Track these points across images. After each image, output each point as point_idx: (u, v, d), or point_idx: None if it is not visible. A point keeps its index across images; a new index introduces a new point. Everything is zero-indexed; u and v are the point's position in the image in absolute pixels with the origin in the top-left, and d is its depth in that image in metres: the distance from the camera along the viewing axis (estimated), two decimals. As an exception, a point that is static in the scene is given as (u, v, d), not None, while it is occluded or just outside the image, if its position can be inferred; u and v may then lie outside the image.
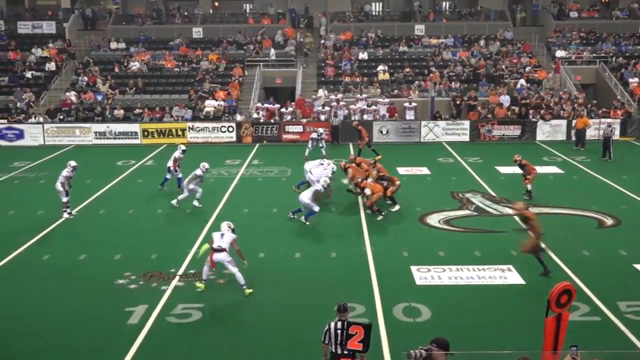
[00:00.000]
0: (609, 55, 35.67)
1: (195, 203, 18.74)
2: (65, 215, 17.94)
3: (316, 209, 17.06)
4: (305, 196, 17.14)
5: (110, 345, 10.73)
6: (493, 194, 20.09)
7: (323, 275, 13.83)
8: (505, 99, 31.36)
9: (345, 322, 8.31)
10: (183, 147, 21.11)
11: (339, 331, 8.27)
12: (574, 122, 28.77)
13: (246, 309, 12.16)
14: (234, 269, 12.63)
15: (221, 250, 12.56)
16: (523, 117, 30.23)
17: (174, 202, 18.94)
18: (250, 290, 12.73)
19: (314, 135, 25.93)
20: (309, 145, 25.53)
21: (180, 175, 20.46)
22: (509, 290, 12.81)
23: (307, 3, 41.51)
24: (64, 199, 17.95)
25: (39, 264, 14.65)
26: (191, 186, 18.56)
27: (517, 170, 23.15)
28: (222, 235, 12.73)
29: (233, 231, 12.96)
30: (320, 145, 25.41)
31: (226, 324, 11.49)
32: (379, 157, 22.00)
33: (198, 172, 18.56)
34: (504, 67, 34.57)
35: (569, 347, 7.17)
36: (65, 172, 18.05)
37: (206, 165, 18.87)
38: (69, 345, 10.78)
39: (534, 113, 30.19)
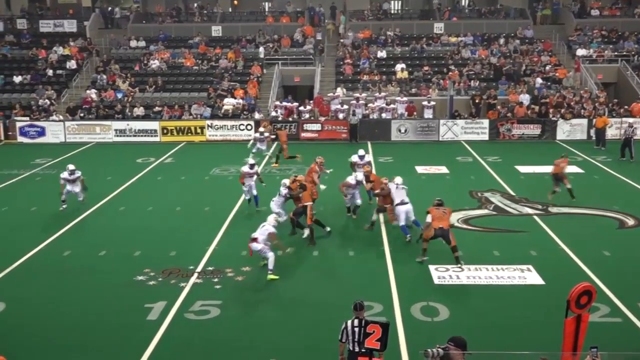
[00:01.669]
0: (630, 53, 35.24)
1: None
2: (62, 207, 18.69)
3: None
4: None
5: (130, 340, 10.82)
6: (512, 193, 19.96)
7: (341, 274, 13.83)
8: (525, 98, 31.14)
9: (363, 321, 8.31)
10: (251, 161, 18.57)
11: (356, 329, 8.26)
12: (594, 121, 28.49)
13: (264, 306, 12.20)
14: (269, 254, 13.41)
15: (254, 239, 13.41)
16: (543, 116, 30.00)
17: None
18: (274, 277, 13.27)
19: (257, 135, 25.33)
20: (263, 147, 25.18)
21: (248, 197, 18.32)
22: (528, 291, 12.72)
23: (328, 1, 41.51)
24: (80, 198, 18.85)
25: (59, 259, 14.81)
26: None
27: (536, 169, 23.14)
28: (263, 226, 13.61)
29: (277, 224, 13.94)
30: (263, 147, 25.19)
31: (244, 321, 11.53)
32: (276, 165, 21.80)
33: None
34: (524, 65, 34.30)
35: (588, 348, 7.12)
36: (61, 174, 18.81)
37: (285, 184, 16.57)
38: (88, 341, 10.89)
39: (554, 112, 29.93)
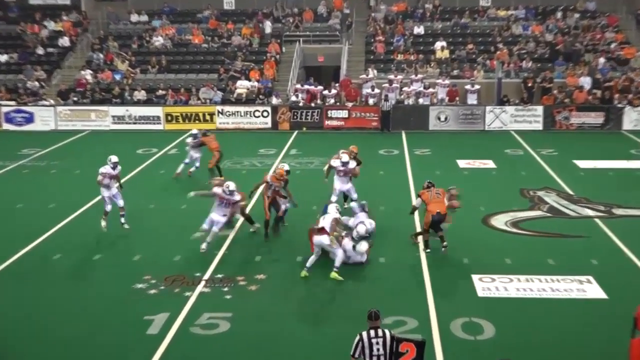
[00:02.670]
0: None
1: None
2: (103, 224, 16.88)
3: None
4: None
5: (127, 358, 10.88)
6: (570, 192, 19.77)
7: (370, 284, 13.80)
8: (586, 81, 30.80)
9: (395, 338, 8.28)
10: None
11: (373, 340, 8.35)
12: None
13: (280, 319, 12.19)
14: (337, 250, 13.85)
15: (321, 230, 13.78)
16: (607, 102, 29.66)
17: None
18: (337, 277, 13.68)
19: (190, 140, 22.19)
20: (198, 154, 22.13)
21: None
22: (588, 306, 12.59)
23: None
24: (120, 203, 16.93)
25: (49, 264, 14.94)
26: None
27: (598, 164, 22.90)
28: (324, 217, 14.08)
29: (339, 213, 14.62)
30: (198, 155, 22.17)
31: (257, 336, 11.55)
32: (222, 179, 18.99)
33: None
34: (585, 43, 33.91)
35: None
36: (101, 169, 16.95)
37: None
38: (80, 357, 10.96)
39: (620, 98, 29.59)
